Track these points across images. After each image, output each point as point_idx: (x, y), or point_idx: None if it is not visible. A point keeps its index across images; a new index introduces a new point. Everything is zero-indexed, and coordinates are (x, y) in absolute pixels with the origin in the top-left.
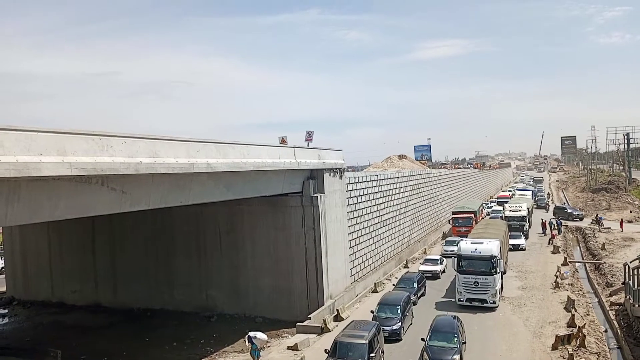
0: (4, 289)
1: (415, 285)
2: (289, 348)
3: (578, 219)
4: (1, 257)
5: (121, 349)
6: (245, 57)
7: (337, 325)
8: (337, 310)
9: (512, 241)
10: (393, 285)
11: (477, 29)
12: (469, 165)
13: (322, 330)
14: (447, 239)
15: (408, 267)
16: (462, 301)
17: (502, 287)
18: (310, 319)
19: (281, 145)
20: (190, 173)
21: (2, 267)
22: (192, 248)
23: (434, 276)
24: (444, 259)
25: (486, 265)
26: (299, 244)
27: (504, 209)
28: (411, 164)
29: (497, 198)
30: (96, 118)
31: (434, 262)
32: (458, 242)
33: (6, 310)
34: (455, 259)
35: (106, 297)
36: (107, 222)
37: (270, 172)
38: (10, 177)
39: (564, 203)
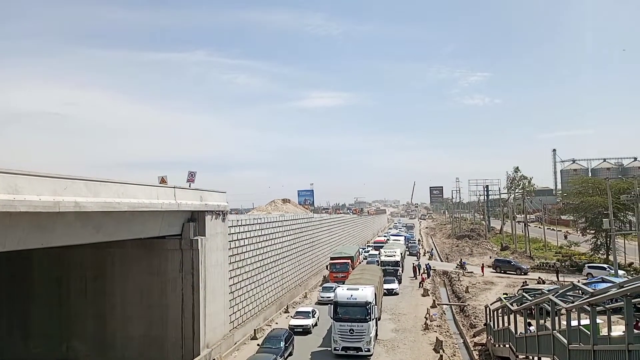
0: None
1: (282, 344)
2: None
3: (523, 273)
4: None
5: None
6: (127, 92)
7: None
8: (214, 359)
9: (386, 285)
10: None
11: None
12: (348, 211)
13: None
14: (324, 285)
15: (289, 312)
16: (338, 350)
17: (376, 334)
18: None
19: (160, 185)
20: (55, 212)
21: None
22: (53, 294)
23: (305, 331)
24: (316, 311)
25: (361, 312)
26: (175, 291)
27: (379, 253)
28: (295, 208)
29: (374, 243)
30: None
31: (305, 315)
32: (335, 289)
33: None
34: (332, 306)
35: None
36: None
37: (147, 213)
38: None
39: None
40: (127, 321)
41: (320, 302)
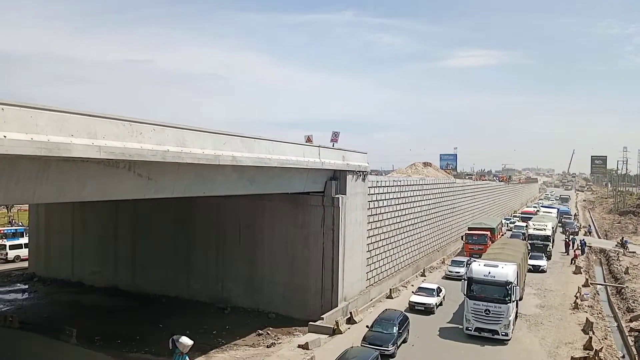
0: (26, 265)
1: (394, 330)
2: (299, 346)
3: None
4: (26, 234)
5: (135, 333)
6: (277, 54)
7: (349, 328)
8: (351, 312)
9: (532, 262)
10: (412, 293)
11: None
12: (494, 178)
13: (334, 331)
14: (454, 258)
15: (425, 276)
16: (470, 330)
17: (516, 317)
18: (322, 319)
19: (306, 143)
20: (215, 165)
21: (26, 244)
22: (211, 239)
23: (427, 310)
24: (442, 289)
25: (500, 292)
26: (317, 244)
27: (527, 226)
28: (435, 172)
29: (521, 214)
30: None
31: (429, 292)
32: (468, 263)
33: (27, 286)
34: (466, 281)
35: (124, 280)
36: (131, 207)
37: (294, 170)
38: (41, 155)
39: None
40: (274, 268)
41: (448, 277)
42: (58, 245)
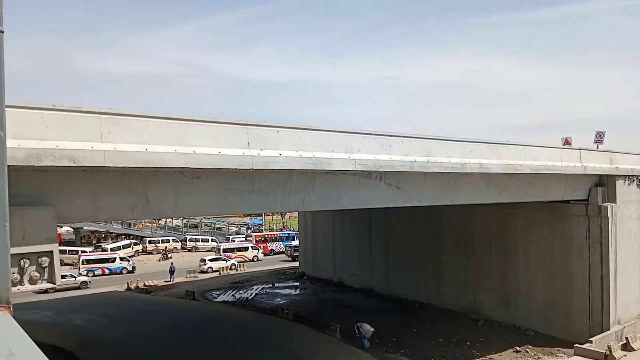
0: (287, 265)
1: None
2: None
3: None
4: (296, 237)
5: (390, 334)
6: (522, 54)
7: (624, 356)
8: (627, 338)
9: None
10: None
11: None
12: None
13: (606, 357)
14: None
15: None
16: None
17: None
18: (591, 342)
19: (564, 147)
20: (462, 173)
21: (296, 246)
22: (460, 249)
23: None
24: None
25: None
26: (581, 258)
27: None
28: None
29: None
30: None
31: None
32: None
33: (298, 283)
34: None
35: (379, 284)
36: (382, 216)
37: (549, 176)
38: (308, 169)
39: None
40: (530, 283)
41: None
42: (322, 248)
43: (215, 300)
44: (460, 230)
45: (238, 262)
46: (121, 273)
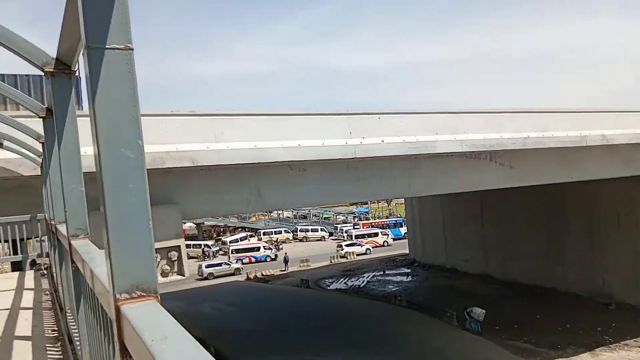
0: (406, 251)
1: None
2: None
3: None
4: (404, 224)
5: (512, 321)
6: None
7: None
8: None
9: None
10: None
11: None
12: None
13: None
14: None
15: None
16: None
17: None
18: None
19: None
20: (581, 147)
21: (405, 233)
22: (585, 228)
23: None
24: None
25: None
26: None
27: None
28: None
29: None
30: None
31: None
32: None
33: (409, 270)
34: None
35: (495, 268)
36: (495, 197)
37: None
38: (411, 154)
39: None
40: None
41: None
42: (431, 234)
43: (329, 288)
44: (584, 208)
45: (372, 247)
46: (265, 260)
